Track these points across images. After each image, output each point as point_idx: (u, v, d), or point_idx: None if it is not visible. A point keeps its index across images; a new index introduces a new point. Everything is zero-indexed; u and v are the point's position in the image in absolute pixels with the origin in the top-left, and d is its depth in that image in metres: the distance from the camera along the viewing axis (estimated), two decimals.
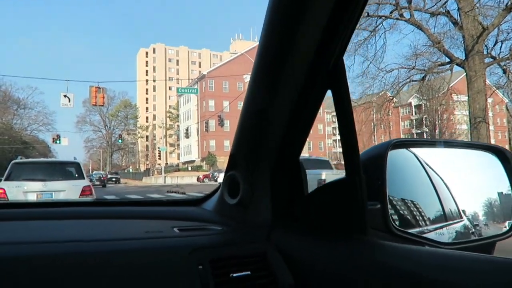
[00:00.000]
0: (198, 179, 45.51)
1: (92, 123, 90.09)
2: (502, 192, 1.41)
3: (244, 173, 1.22)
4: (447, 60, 18.25)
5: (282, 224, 1.18)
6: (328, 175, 10.34)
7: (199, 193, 21.91)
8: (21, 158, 9.87)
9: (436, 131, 41.14)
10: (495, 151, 1.45)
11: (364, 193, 0.95)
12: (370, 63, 19.71)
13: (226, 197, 1.28)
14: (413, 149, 1.38)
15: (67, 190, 8.30)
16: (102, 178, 39.86)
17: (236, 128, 1.23)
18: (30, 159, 10.95)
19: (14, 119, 72.22)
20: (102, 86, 22.20)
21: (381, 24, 19.25)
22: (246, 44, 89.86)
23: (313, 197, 1.14)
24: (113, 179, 49.85)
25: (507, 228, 1.34)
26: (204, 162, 62.34)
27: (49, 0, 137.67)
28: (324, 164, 13.18)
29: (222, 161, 61.03)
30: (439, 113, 40.50)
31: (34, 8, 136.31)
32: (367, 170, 0.98)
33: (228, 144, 64.05)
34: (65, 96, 22.27)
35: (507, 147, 20.92)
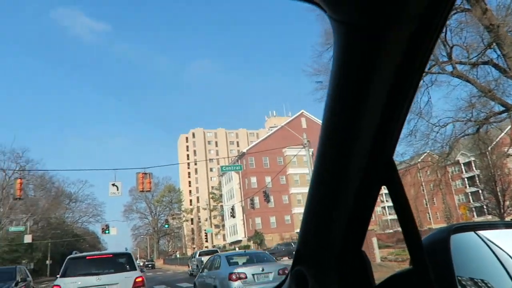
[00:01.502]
0: None
1: (139, 211, 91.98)
2: None
3: (311, 268, 1.25)
4: (502, 109, 17.15)
5: None
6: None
7: None
8: (75, 253, 10.55)
9: (498, 188, 37.89)
10: None
11: (432, 282, 0.97)
12: (418, 120, 18.89)
13: None
14: (477, 232, 1.43)
15: (120, 283, 8.35)
16: (139, 266, 39.36)
17: (302, 218, 1.27)
18: (84, 254, 11.24)
19: (66, 213, 74.92)
20: (148, 172, 22.59)
21: (422, 81, 18.75)
22: (281, 120, 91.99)
23: None
24: (149, 266, 60.82)
25: None
26: (251, 241, 60.40)
27: (96, 101, 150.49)
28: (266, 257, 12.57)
29: (270, 239, 58.89)
30: (496, 169, 37.55)
31: (81, 109, 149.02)
32: (430, 257, 1.00)
33: (274, 221, 62.31)
34: (113, 185, 22.76)
35: None
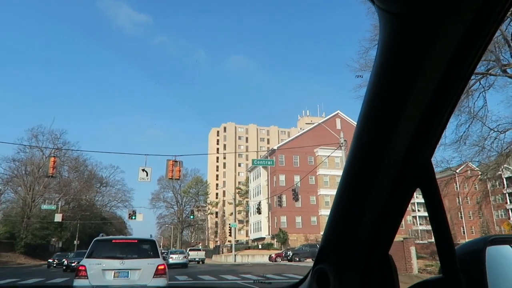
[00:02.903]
0: (270, 258, 42.90)
1: (165, 200, 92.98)
2: None
3: (334, 267, 1.23)
4: None
5: None
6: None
7: (277, 279, 19.79)
8: (102, 236, 10.33)
9: None
10: None
11: None
12: (470, 125, 17.44)
13: None
14: None
15: (142, 269, 8.37)
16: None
17: (326, 218, 1.28)
18: (110, 237, 11.26)
19: (96, 196, 76.75)
20: (179, 160, 22.23)
21: (478, 83, 17.28)
22: (314, 120, 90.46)
23: None
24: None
25: None
26: (275, 240, 59.60)
27: (132, 91, 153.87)
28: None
29: (294, 239, 57.87)
30: None
31: (115, 100, 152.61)
32: (463, 267, 0.97)
33: (299, 221, 61.22)
34: (143, 170, 22.58)
35: None
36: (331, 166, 60.25)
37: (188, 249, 49.15)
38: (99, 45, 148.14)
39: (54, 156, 23.07)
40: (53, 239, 61.26)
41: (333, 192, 57.98)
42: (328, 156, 47.40)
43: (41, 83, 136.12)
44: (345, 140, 25.45)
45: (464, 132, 18.06)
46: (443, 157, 18.66)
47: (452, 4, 0.71)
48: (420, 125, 0.93)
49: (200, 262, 43.95)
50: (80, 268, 8.17)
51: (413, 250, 15.95)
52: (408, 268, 15.62)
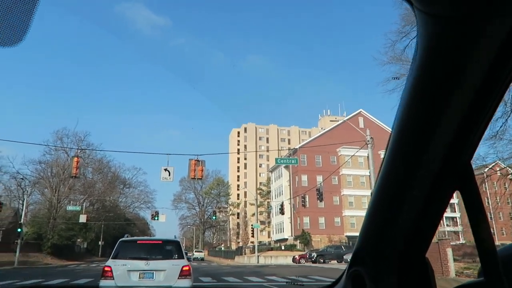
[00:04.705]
0: (294, 259, 42.20)
1: (187, 201, 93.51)
2: None
3: (370, 270, 1.22)
4: None
5: None
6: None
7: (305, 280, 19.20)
8: (127, 236, 10.42)
9: None
10: None
11: None
12: (507, 120, 16.40)
13: None
14: None
15: (167, 270, 8.34)
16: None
17: (363, 220, 1.25)
18: (135, 238, 11.27)
19: (119, 197, 77.71)
20: (201, 160, 21.91)
21: None
22: (336, 119, 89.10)
23: None
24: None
25: None
26: (298, 241, 58.76)
27: (156, 94, 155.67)
28: None
29: (318, 240, 56.90)
30: None
31: (138, 99, 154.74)
32: (506, 270, 0.93)
33: (323, 221, 60.22)
34: (165, 170, 22.38)
35: None
36: (354, 166, 59.01)
37: (194, 250, 71.40)
38: (119, 45, 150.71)
39: (77, 157, 23.13)
40: (79, 240, 62.25)
41: (357, 192, 56.88)
42: (352, 155, 46.37)
43: (64, 84, 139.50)
44: (371, 138, 24.55)
45: (500, 127, 17.04)
46: (478, 154, 17.70)
47: (500, 3, 0.69)
48: (462, 126, 0.93)
49: (200, 259, 59.81)
50: (106, 268, 8.16)
51: (449, 252, 15.05)
52: (445, 271, 14.73)
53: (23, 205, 44.69)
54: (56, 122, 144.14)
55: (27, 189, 50.87)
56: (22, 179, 53.54)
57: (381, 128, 61.07)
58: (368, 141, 23.93)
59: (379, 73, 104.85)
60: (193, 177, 22.10)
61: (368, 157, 24.85)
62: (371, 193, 1.17)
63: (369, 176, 25.15)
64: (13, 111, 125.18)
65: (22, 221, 41.48)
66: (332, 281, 1.49)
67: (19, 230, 38.56)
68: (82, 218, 49.18)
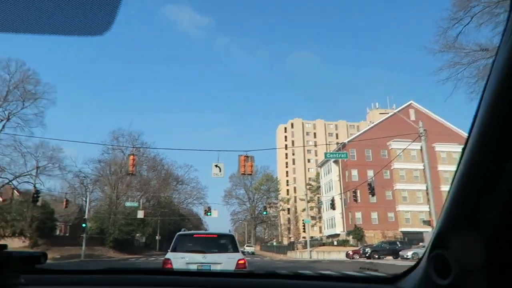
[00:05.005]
0: (347, 255, 41.65)
1: (237, 197, 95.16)
2: None
3: (455, 253, 1.12)
4: None
5: None
6: None
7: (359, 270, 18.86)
8: (184, 230, 10.75)
9: None
10: None
11: None
12: None
13: (434, 277, 1.19)
14: None
15: (223, 263, 8.44)
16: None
17: (443, 200, 1.18)
18: (192, 231, 11.58)
19: (173, 194, 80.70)
20: (250, 155, 22.27)
21: None
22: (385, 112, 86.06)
23: None
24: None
25: None
26: (351, 236, 57.81)
27: (197, 90, 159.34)
28: None
29: (371, 235, 55.65)
30: None
31: (185, 99, 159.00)
32: None
33: (375, 217, 58.75)
34: (216, 166, 22.97)
35: None
36: (407, 160, 56.90)
37: (245, 245, 73.17)
38: (166, 46, 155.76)
39: (133, 155, 24.40)
40: (137, 235, 65.54)
41: (411, 186, 54.68)
42: (404, 149, 44.79)
43: (119, 88, 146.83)
44: (424, 130, 23.61)
45: None
46: None
47: None
48: None
49: (250, 253, 61.68)
50: (166, 261, 8.41)
51: None
52: None
53: (86, 201, 47.82)
54: (111, 122, 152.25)
55: (89, 186, 54.24)
56: (84, 177, 57.29)
57: (434, 120, 58.26)
58: (421, 133, 23.04)
59: (430, 63, 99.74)
60: (243, 172, 22.53)
61: (421, 150, 23.94)
62: (456, 170, 1.07)
63: (423, 169, 24.23)
64: (72, 111, 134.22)
65: (86, 216, 44.47)
66: (410, 266, 1.43)
67: (84, 225, 41.39)
68: (140, 214, 51.71)
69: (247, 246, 69.88)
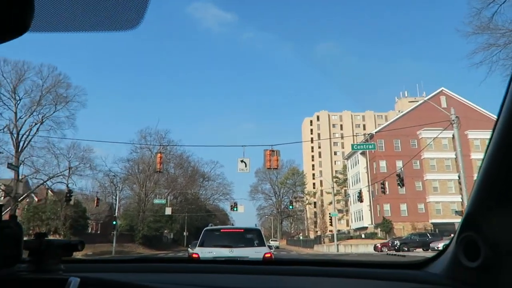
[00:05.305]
0: (375, 248, 40.86)
1: (263, 192, 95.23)
2: None
3: (485, 235, 1.12)
4: None
5: None
6: None
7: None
8: (211, 225, 10.78)
9: None
10: None
11: None
12: None
13: (464, 260, 1.18)
14: None
15: (250, 257, 8.36)
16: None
17: (472, 184, 1.19)
18: (219, 226, 11.69)
19: (200, 190, 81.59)
20: (276, 149, 22.05)
21: None
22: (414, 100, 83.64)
23: None
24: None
25: None
26: (379, 229, 56.74)
27: (221, 86, 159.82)
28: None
29: (400, 228, 54.40)
30: None
31: (211, 98, 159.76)
32: None
33: (405, 208, 57.39)
34: (242, 161, 22.88)
35: None
36: (437, 149, 55.16)
37: (271, 239, 73.01)
38: (190, 45, 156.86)
39: (160, 153, 24.65)
40: (166, 231, 66.64)
41: (442, 176, 52.85)
42: (435, 137, 43.33)
43: (145, 86, 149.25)
44: (457, 117, 22.66)
45: None
46: None
47: None
48: None
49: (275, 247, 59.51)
50: (195, 256, 8.50)
51: None
52: None
53: (116, 200, 48.97)
54: (139, 121, 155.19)
55: (118, 185, 55.45)
56: (113, 176, 58.64)
57: (467, 106, 56.09)
58: (453, 120, 22.13)
59: (463, 46, 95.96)
60: (268, 167, 22.36)
61: (453, 137, 23.01)
62: (485, 151, 1.04)
63: (455, 158, 23.32)
64: (101, 111, 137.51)
65: (116, 214, 45.55)
66: (440, 250, 1.40)
67: (114, 222, 42.43)
68: (168, 211, 52.50)
69: (271, 240, 69.80)
